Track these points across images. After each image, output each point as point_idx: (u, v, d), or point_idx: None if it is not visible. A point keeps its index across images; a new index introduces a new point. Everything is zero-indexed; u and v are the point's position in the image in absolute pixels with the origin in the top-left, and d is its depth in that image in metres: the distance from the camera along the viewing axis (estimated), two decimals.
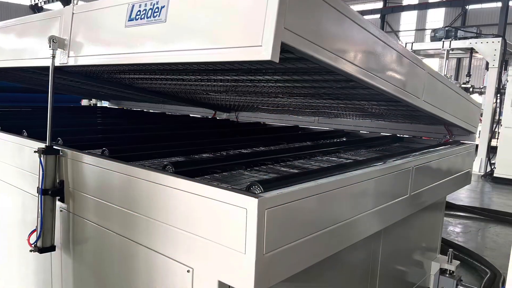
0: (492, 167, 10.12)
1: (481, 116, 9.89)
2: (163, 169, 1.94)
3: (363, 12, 30.78)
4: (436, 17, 31.33)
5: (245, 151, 2.97)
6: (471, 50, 11.17)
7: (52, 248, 2.36)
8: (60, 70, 2.98)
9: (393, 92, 2.26)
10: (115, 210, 2.00)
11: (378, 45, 2.10)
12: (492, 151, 10.44)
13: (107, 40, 2.17)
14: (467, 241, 5.50)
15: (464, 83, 10.93)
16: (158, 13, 1.84)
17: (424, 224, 3.52)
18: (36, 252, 2.32)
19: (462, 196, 8.01)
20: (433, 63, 17.54)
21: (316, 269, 2.07)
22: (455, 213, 6.69)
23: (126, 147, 2.58)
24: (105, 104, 7.51)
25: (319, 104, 3.32)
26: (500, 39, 10.33)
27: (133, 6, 1.97)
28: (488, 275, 4.01)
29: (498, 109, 10.51)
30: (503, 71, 10.36)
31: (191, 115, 5.40)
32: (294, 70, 2.13)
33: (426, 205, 2.94)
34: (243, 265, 1.48)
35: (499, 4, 26.23)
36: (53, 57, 2.35)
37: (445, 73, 11.55)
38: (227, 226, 1.53)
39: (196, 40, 1.69)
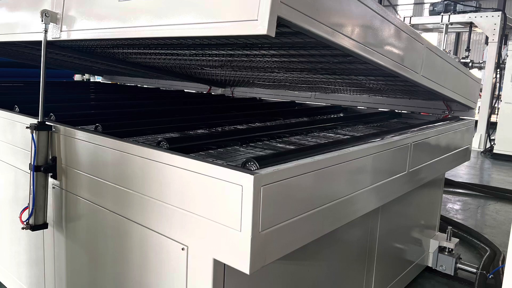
0: (492, 143, 10.10)
1: (481, 91, 9.85)
2: (157, 145, 1.91)
3: None
4: None
5: (241, 127, 2.94)
6: (471, 25, 11.06)
7: (44, 226, 2.35)
8: (53, 45, 2.95)
9: (391, 67, 2.23)
10: (108, 187, 1.98)
11: (376, 19, 2.07)
12: (491, 127, 10.40)
13: (100, 14, 2.13)
14: (467, 218, 5.48)
15: (463, 58, 10.85)
16: None
17: (423, 201, 3.52)
18: (28, 230, 2.30)
19: (461, 172, 8.00)
20: (432, 38, 17.42)
21: (313, 247, 2.08)
22: (454, 190, 6.66)
23: (120, 123, 2.55)
24: (98, 79, 7.45)
25: (316, 79, 3.29)
26: (500, 13, 10.21)
27: None
28: (488, 253, 4.00)
29: (498, 84, 10.45)
30: (503, 45, 10.27)
31: (185, 90, 5.36)
32: (291, 44, 2.10)
33: (424, 182, 2.93)
34: (239, 243, 1.46)
35: None
36: (46, 31, 2.32)
37: (444, 48, 11.47)
38: (222, 203, 1.51)
39: (191, 14, 1.66)
